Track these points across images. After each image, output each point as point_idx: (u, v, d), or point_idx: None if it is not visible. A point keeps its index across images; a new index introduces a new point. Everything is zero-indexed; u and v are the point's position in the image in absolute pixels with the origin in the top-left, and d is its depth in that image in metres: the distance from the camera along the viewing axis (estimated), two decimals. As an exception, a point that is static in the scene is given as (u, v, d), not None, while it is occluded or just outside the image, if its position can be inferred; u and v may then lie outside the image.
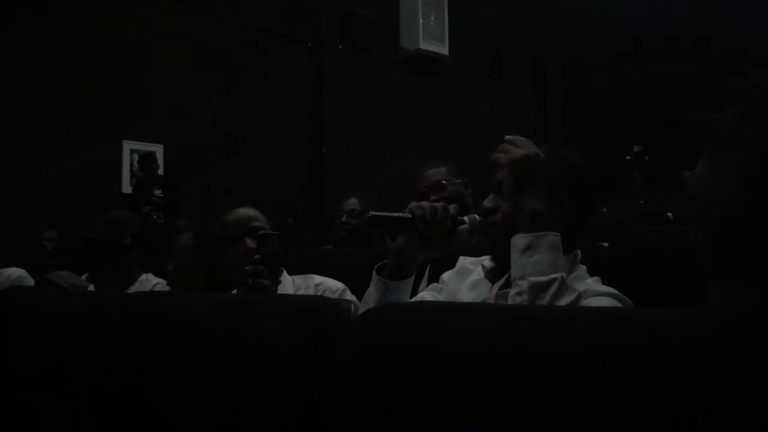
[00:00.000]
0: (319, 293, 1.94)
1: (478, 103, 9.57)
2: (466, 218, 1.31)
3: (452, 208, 1.30)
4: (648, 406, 0.59)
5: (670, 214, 2.48)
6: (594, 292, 1.24)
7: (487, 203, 1.33)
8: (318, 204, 7.96)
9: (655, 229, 1.52)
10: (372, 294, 1.33)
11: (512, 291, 1.16)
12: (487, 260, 1.41)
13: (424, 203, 1.29)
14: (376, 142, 8.31)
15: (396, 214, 1.29)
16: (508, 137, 1.24)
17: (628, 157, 11.02)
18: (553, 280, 1.11)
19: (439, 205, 1.29)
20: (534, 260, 1.13)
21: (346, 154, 8.01)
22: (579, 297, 1.13)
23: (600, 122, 11.42)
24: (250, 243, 1.89)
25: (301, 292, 1.95)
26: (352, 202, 3.05)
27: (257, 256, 1.71)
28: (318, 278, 1.99)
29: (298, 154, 7.83)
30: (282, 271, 1.97)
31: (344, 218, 3.03)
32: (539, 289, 1.11)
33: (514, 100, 10.33)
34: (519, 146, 1.21)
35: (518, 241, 1.16)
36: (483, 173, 2.37)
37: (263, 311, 0.81)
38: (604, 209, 4.40)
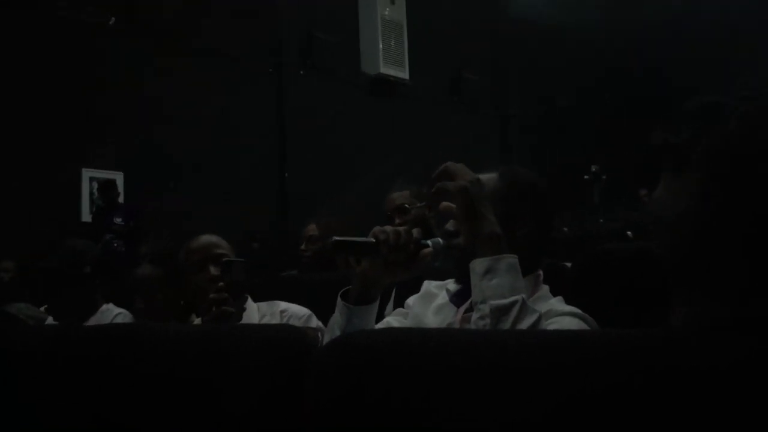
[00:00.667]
0: (284, 320, 1.93)
1: (440, 125, 9.66)
2: (429, 242, 1.32)
3: (415, 231, 1.31)
4: (618, 427, 0.60)
5: (629, 233, 2.52)
6: (558, 312, 1.26)
7: (449, 226, 1.34)
8: (283, 227, 7.91)
9: (616, 246, 1.54)
10: (337, 320, 1.33)
11: (474, 315, 1.16)
12: (451, 284, 1.42)
13: (388, 227, 1.30)
14: (339, 164, 8.32)
15: (359, 239, 1.30)
16: (449, 164, 1.24)
17: (586, 177, 11.23)
18: (514, 302, 1.12)
19: (402, 229, 1.30)
20: (494, 284, 1.14)
21: (310, 177, 8.00)
22: (540, 318, 1.14)
23: (561, 141, 11.60)
24: (213, 270, 1.88)
25: (266, 319, 1.93)
26: (311, 228, 3.05)
27: (221, 284, 1.70)
28: (283, 304, 1.97)
29: (261, 178, 7.80)
30: (247, 298, 1.96)
31: (303, 245, 3.03)
32: (501, 312, 1.12)
33: (476, 121, 10.45)
34: (461, 173, 1.22)
35: (477, 265, 1.17)
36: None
37: (230, 342, 0.80)
38: (565, 228, 4.46)
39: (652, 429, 0.59)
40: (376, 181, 8.28)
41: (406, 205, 2.45)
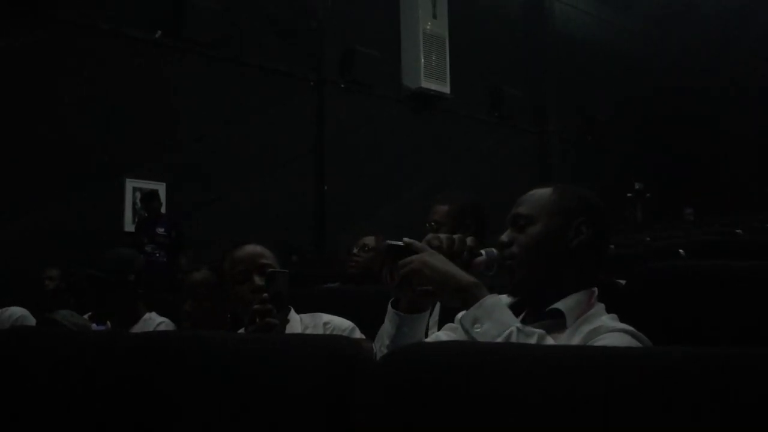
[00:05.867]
0: (327, 332, 1.90)
1: (480, 140, 9.62)
2: (483, 251, 1.29)
3: (469, 240, 1.29)
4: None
5: (681, 250, 2.45)
6: (609, 328, 1.22)
7: (504, 237, 1.31)
8: (321, 241, 7.93)
9: (672, 264, 1.48)
10: (387, 328, 1.31)
11: None
12: (504, 297, 1.38)
13: (442, 234, 1.28)
14: (378, 178, 8.32)
15: (412, 241, 1.27)
16: (405, 240, 1.26)
17: (629, 194, 11.08)
18: (509, 334, 1.13)
19: (456, 236, 1.28)
20: (484, 329, 1.15)
21: (348, 191, 8.01)
22: (543, 336, 1.14)
23: (602, 158, 11.45)
24: (258, 280, 1.86)
25: (309, 331, 1.90)
26: (369, 239, 3.03)
27: (265, 295, 1.68)
28: (326, 317, 1.95)
29: (300, 191, 7.84)
30: (290, 310, 1.94)
31: (356, 250, 3.00)
32: None
33: (516, 137, 10.38)
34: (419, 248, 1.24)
35: (464, 320, 1.18)
36: (492, 207, 2.35)
37: (281, 352, 0.78)
38: (612, 246, 4.37)
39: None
40: (415, 195, 8.29)
41: (432, 224, 2.41)
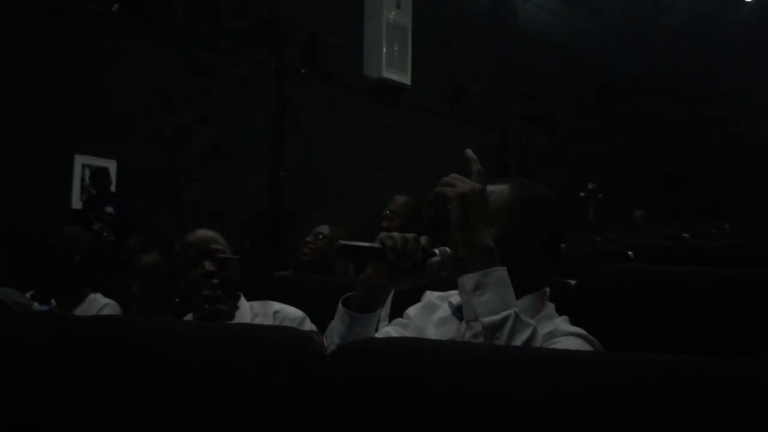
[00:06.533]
0: (277, 321, 1.88)
1: (439, 133, 9.64)
2: (437, 250, 1.28)
3: (423, 239, 1.27)
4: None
5: (630, 253, 2.50)
6: (563, 332, 1.23)
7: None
8: (276, 228, 7.86)
9: (621, 267, 1.51)
10: (337, 327, 1.29)
11: (467, 333, 1.13)
12: (454, 296, 1.38)
13: (395, 234, 1.25)
14: (336, 167, 8.28)
15: (366, 244, 1.26)
16: (452, 174, 1.20)
17: (582, 194, 11.26)
18: (507, 317, 1.09)
19: (410, 236, 1.26)
20: (485, 299, 1.10)
21: (307, 178, 7.95)
22: (536, 331, 1.11)
23: (558, 158, 11.62)
24: (208, 266, 1.83)
25: (258, 319, 1.89)
26: (323, 228, 3.00)
27: (216, 281, 1.66)
28: (277, 305, 1.93)
29: (257, 176, 7.74)
30: (240, 296, 1.91)
31: (310, 239, 2.97)
32: (494, 328, 1.09)
33: (475, 131, 10.43)
34: (462, 181, 1.18)
35: (466, 282, 1.13)
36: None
37: (231, 342, 0.76)
38: (563, 245, 4.44)
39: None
40: (373, 185, 8.28)
41: (388, 213, 2.42)
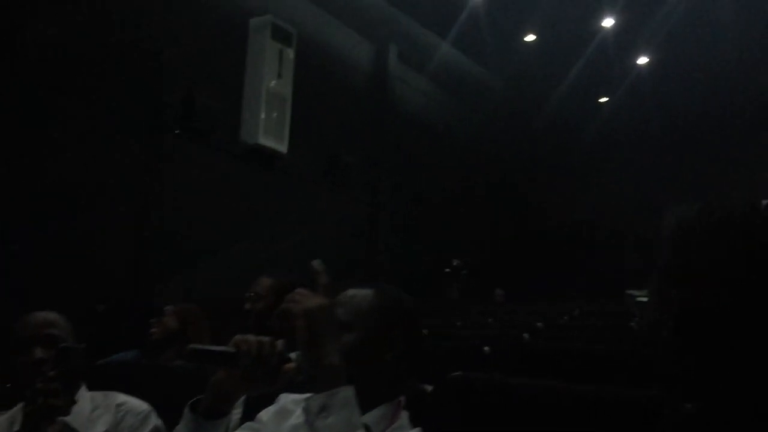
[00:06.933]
0: (119, 414, 1.75)
1: (313, 202, 9.67)
2: (293, 355, 1.24)
3: (279, 344, 1.24)
4: None
5: (486, 348, 2.55)
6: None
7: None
8: (137, 292, 7.45)
9: (473, 378, 1.53)
10: (182, 433, 1.21)
11: None
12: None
13: (250, 337, 1.21)
14: (205, 230, 8.04)
15: (218, 348, 1.20)
16: (298, 290, 1.19)
17: (447, 270, 11.59)
18: None
19: (266, 340, 1.22)
20: (329, 422, 1.08)
21: (174, 240, 7.65)
22: None
23: (427, 233, 11.95)
24: (39, 353, 1.69)
25: (98, 412, 1.74)
26: (168, 310, 2.83)
27: (52, 373, 1.52)
28: (121, 397, 1.79)
29: (121, 234, 7.34)
30: (80, 386, 1.76)
31: (154, 321, 2.80)
32: None
33: (348, 203, 10.56)
34: (308, 297, 1.16)
35: (311, 404, 1.11)
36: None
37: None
38: (425, 331, 4.51)
39: None
40: (242, 252, 8.10)
41: (252, 294, 2.40)
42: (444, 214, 12.59)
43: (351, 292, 1.37)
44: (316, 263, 1.20)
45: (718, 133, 14.09)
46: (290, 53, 9.04)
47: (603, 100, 14.67)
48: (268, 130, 8.76)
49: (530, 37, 12.46)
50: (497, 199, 14.21)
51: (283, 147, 9.01)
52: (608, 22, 11.75)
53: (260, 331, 2.09)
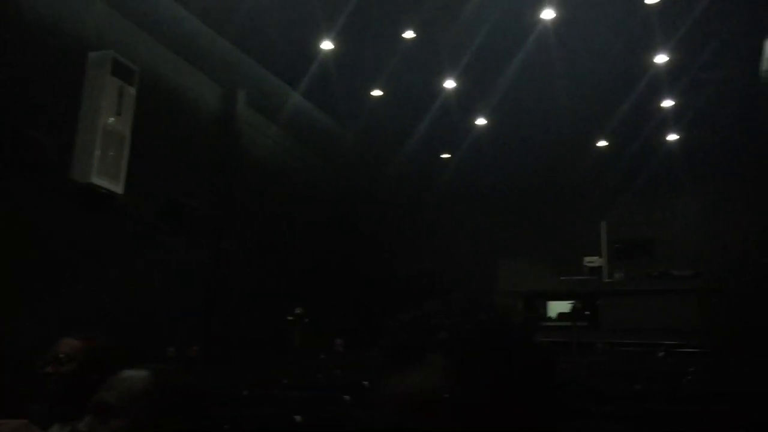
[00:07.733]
0: None
1: (151, 246, 9.24)
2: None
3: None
4: None
5: (298, 417, 2.48)
6: None
7: (82, 427, 1.17)
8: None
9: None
10: None
11: None
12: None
13: None
14: (27, 272, 7.44)
15: None
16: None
17: (290, 318, 11.44)
18: None
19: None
20: None
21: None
22: None
23: (271, 280, 11.77)
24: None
25: None
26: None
27: None
28: None
29: None
30: None
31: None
32: None
33: (189, 248, 10.19)
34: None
35: None
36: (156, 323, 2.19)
37: None
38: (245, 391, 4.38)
39: None
40: (68, 298, 7.54)
41: (62, 356, 2.22)
42: (289, 261, 12.50)
43: (125, 373, 1.26)
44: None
45: (549, 193, 15.19)
46: (132, 90, 8.68)
47: (445, 156, 15.33)
48: (103, 169, 8.31)
49: (377, 92, 12.84)
50: (343, 248, 14.34)
51: (118, 188, 8.56)
52: (449, 84, 12.36)
53: (64, 398, 1.94)
